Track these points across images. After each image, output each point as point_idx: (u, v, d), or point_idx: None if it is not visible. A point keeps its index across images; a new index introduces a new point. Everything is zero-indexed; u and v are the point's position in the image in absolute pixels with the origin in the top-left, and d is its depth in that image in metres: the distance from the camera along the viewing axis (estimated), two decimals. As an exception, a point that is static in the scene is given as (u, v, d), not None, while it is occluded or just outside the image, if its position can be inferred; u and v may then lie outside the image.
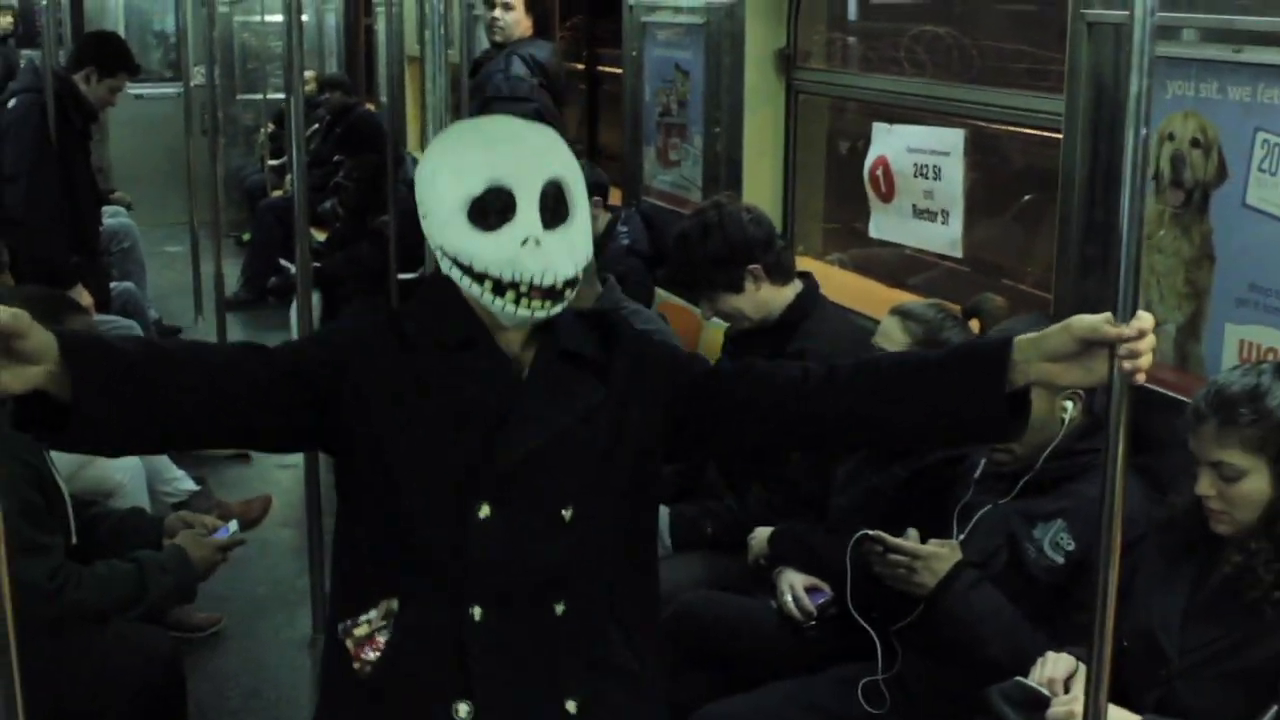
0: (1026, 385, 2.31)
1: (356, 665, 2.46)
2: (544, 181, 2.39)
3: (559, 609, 2.44)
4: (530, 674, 2.44)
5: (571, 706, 2.46)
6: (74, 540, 3.75)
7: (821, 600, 3.69)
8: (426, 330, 2.48)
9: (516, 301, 2.36)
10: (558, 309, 2.40)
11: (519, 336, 2.49)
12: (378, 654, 2.44)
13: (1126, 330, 2.13)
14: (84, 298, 5.79)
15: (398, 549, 2.44)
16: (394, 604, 2.44)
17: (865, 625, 3.43)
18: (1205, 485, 2.74)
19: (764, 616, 3.81)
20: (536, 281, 2.35)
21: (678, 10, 6.23)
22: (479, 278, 2.38)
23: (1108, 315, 2.16)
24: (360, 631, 2.46)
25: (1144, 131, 2.10)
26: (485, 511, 2.39)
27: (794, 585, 3.74)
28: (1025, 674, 3.00)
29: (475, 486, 2.40)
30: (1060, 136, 3.75)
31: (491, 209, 2.37)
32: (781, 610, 3.75)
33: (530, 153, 2.44)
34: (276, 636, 5.32)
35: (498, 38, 6.84)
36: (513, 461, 2.40)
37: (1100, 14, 3.44)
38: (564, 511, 2.43)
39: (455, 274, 2.42)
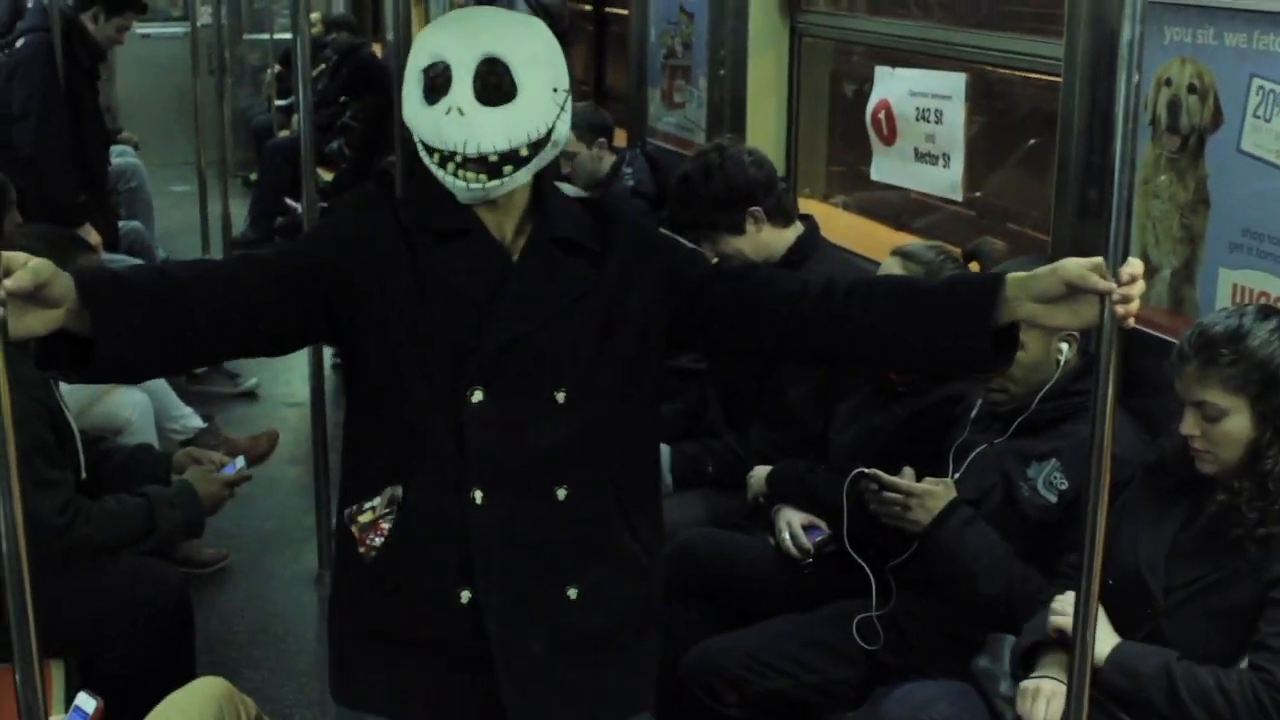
0: (1015, 322, 2.34)
1: (362, 550, 2.52)
2: (479, 56, 2.41)
3: (560, 494, 2.48)
4: (532, 559, 2.49)
5: (572, 593, 2.51)
6: (83, 476, 3.79)
7: (819, 538, 3.74)
8: (422, 219, 2.53)
9: (455, 173, 2.43)
10: (496, 184, 2.43)
11: (510, 223, 2.54)
12: (382, 539, 2.50)
13: (1104, 283, 2.17)
14: (92, 236, 5.82)
15: (400, 436, 2.49)
16: (398, 490, 2.49)
17: (861, 562, 3.48)
18: (1189, 425, 2.78)
19: (762, 553, 3.86)
20: (459, 150, 2.40)
21: (684, -48, 6.23)
22: (428, 150, 2.46)
23: (1097, 261, 2.19)
24: (365, 518, 2.52)
25: (1136, 78, 2.13)
26: (478, 395, 2.43)
27: (792, 523, 3.79)
28: (1014, 609, 3.07)
29: (467, 371, 2.44)
30: (1060, 80, 3.77)
31: (434, 82, 2.43)
32: (779, 547, 3.80)
33: (474, 30, 2.47)
34: (283, 572, 5.39)
35: None
36: (500, 345, 2.44)
37: (1098, -42, 3.47)
38: (556, 394, 2.47)
39: (419, 149, 2.50)
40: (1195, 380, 2.76)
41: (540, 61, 2.47)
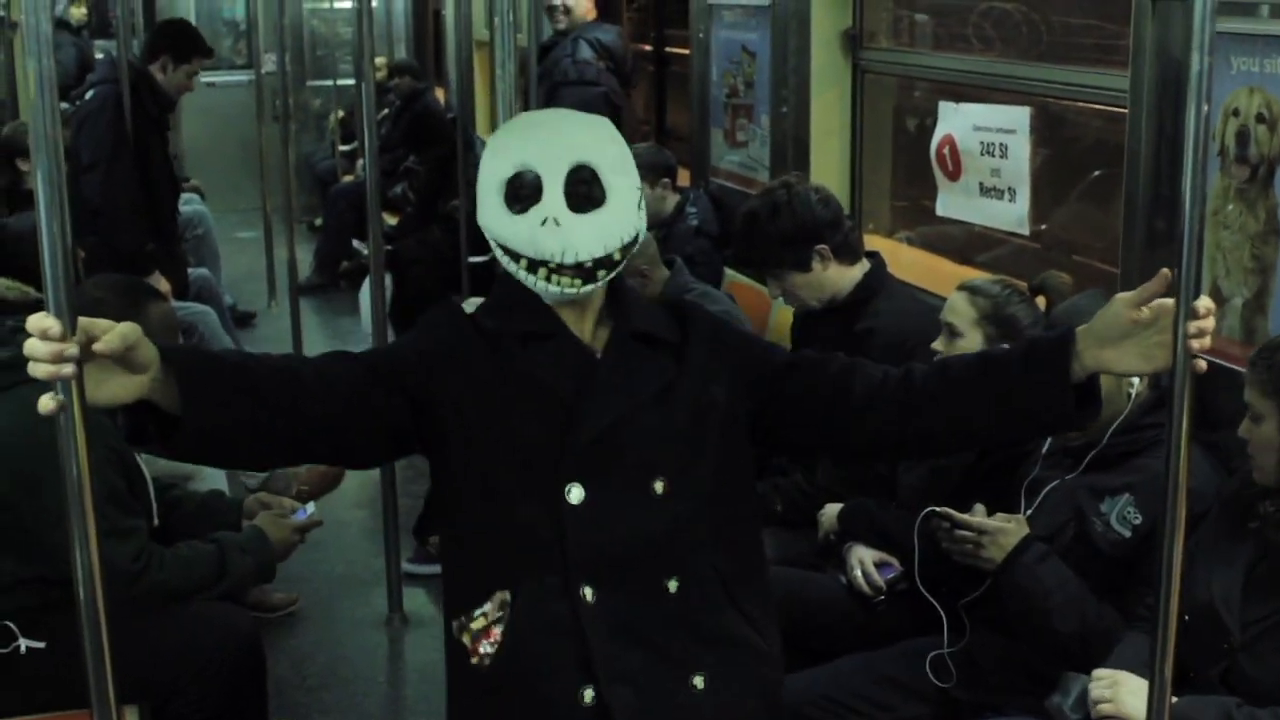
0: (1094, 376, 2.35)
1: (475, 660, 2.48)
2: (570, 165, 2.43)
3: (672, 586, 2.46)
4: (652, 652, 2.45)
5: (699, 681, 2.47)
6: (156, 523, 3.81)
7: (890, 575, 3.72)
8: (503, 324, 2.53)
9: (548, 279, 2.44)
10: (590, 287, 2.46)
11: (590, 322, 2.55)
12: (494, 646, 2.46)
13: (1159, 285, 2.22)
14: (161, 284, 5.87)
15: (500, 540, 2.48)
16: (506, 595, 2.46)
17: (933, 600, 3.46)
18: (1244, 428, 2.83)
19: (834, 591, 3.83)
20: (557, 260, 2.41)
21: (744, -8, 6.24)
22: (514, 256, 2.46)
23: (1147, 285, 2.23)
24: (476, 625, 2.48)
25: (1205, 108, 2.12)
26: (576, 492, 2.42)
27: (864, 560, 3.77)
28: (1089, 646, 3.04)
29: (562, 467, 2.43)
30: (1126, 112, 3.75)
31: (520, 192, 2.44)
32: (851, 585, 3.78)
33: (560, 137, 2.49)
34: (352, 615, 5.38)
35: (560, 25, 6.86)
36: (591, 438, 2.43)
37: (1164, -10, 3.46)
38: (655, 484, 2.46)
39: (498, 253, 2.50)
40: (1247, 382, 2.83)
41: (624, 164, 2.51)
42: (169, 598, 3.64)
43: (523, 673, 2.46)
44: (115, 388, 2.12)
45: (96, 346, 2.03)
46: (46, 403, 2.04)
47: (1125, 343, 2.28)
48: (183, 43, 7.06)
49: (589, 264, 2.42)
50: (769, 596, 2.66)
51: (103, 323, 2.07)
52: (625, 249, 2.47)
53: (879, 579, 3.73)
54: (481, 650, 2.47)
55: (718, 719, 2.50)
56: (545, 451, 2.44)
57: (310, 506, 4.23)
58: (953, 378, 2.50)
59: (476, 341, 2.52)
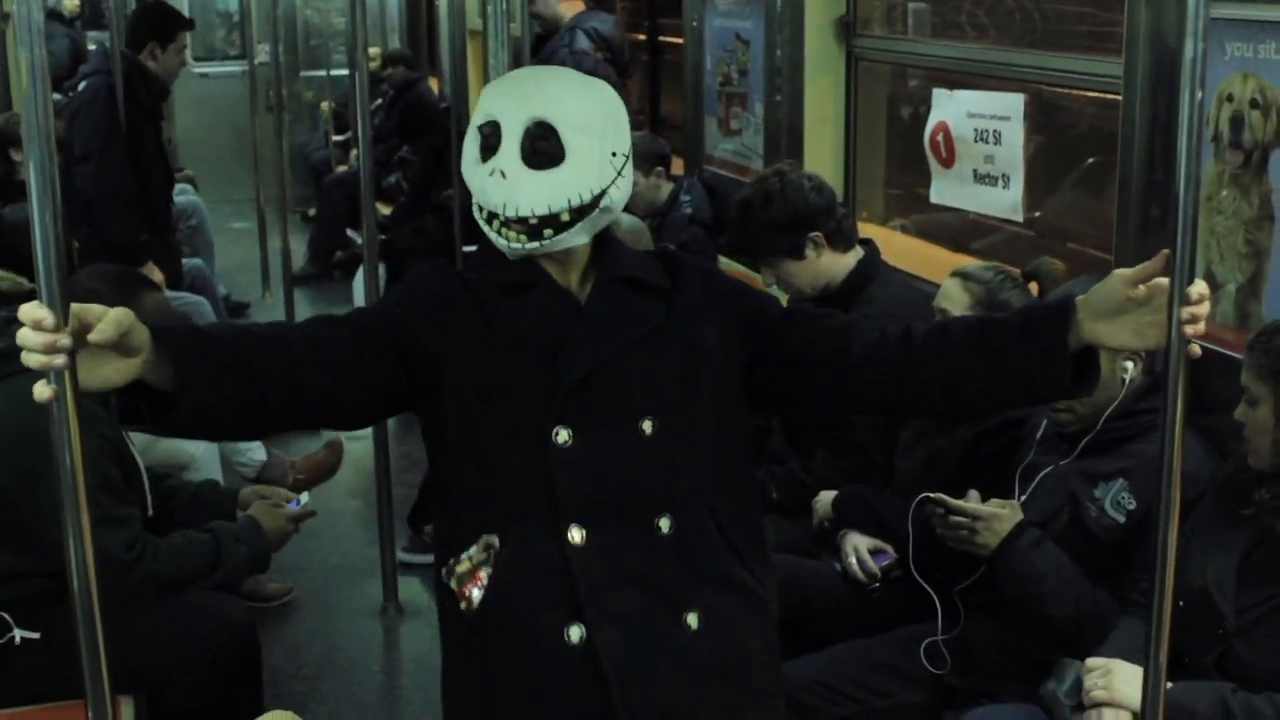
0: (1093, 347, 2.34)
1: (463, 605, 2.48)
2: (528, 119, 2.43)
3: (664, 526, 2.45)
4: (643, 591, 2.45)
5: (692, 620, 2.46)
6: (150, 512, 3.81)
7: (885, 562, 3.73)
8: (489, 276, 2.53)
9: (498, 231, 2.45)
10: (536, 244, 2.44)
11: (575, 274, 2.54)
12: (481, 589, 2.46)
13: (1157, 265, 2.21)
14: (155, 274, 5.86)
15: (488, 486, 2.48)
16: (493, 539, 2.46)
17: (927, 587, 3.47)
18: (1240, 410, 2.83)
19: (829, 579, 3.84)
20: (499, 212, 2.42)
21: (738, -20, 6.24)
22: (478, 206, 2.48)
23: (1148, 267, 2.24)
24: (462, 569, 2.48)
25: (1199, 94, 2.11)
26: (563, 435, 2.42)
27: (858, 547, 3.78)
28: (1083, 631, 3.05)
29: (548, 411, 2.43)
30: (1120, 99, 3.75)
31: (488, 142, 2.46)
32: (846, 572, 3.79)
33: (528, 91, 2.50)
34: (348, 605, 5.39)
35: (538, 28, 6.82)
36: (575, 380, 2.43)
37: (1157, -25, 3.45)
38: (642, 425, 2.45)
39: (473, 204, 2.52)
40: (1244, 366, 2.83)
41: (594, 126, 2.47)
42: (163, 587, 3.65)
43: (509, 614, 2.45)
44: (109, 372, 2.11)
45: (90, 337, 2.02)
46: (42, 390, 2.04)
47: (1119, 318, 2.28)
48: (163, 23, 7.01)
49: (533, 220, 2.41)
50: (765, 543, 2.66)
51: (96, 309, 2.06)
52: (578, 211, 2.44)
53: (874, 566, 3.74)
54: (469, 594, 2.47)
55: (713, 659, 2.49)
56: (531, 397, 2.44)
57: (304, 496, 4.23)
58: (952, 340, 2.49)
59: (462, 294, 2.52)
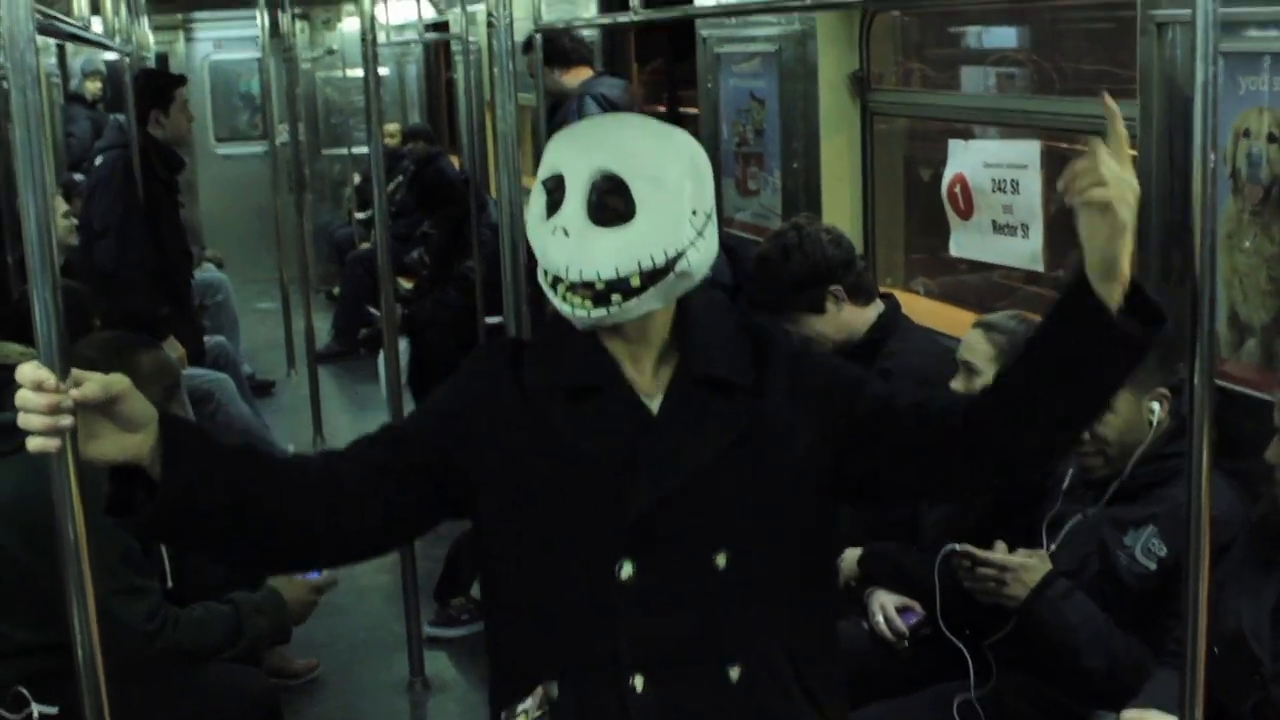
0: (1140, 291, 2.15)
1: None
2: (594, 171, 2.20)
3: (734, 675, 2.25)
4: None
5: None
6: (170, 584, 3.79)
7: (914, 620, 3.68)
8: (547, 377, 2.32)
9: (563, 297, 2.22)
10: (604, 312, 2.20)
11: (650, 360, 2.32)
12: None
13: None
14: (175, 349, 5.87)
15: (545, 625, 2.28)
16: (552, 689, 2.26)
17: (958, 643, 3.40)
18: (1271, 452, 2.77)
19: (856, 639, 3.78)
20: (564, 275, 2.20)
21: (750, 40, 6.24)
22: (542, 271, 2.26)
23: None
24: None
25: (1212, 120, 2.08)
26: (627, 570, 2.21)
27: (885, 606, 3.73)
28: (1118, 682, 2.99)
29: (612, 543, 2.22)
30: (1135, 141, 3.72)
31: (552, 198, 2.24)
32: (874, 632, 3.74)
33: (592, 140, 2.29)
34: (374, 681, 5.35)
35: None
36: (644, 510, 2.21)
37: (1169, 13, 3.42)
38: (715, 558, 2.24)
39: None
40: (1276, 406, 2.79)
41: (669, 179, 2.23)
42: (184, 659, 3.62)
43: None
44: (107, 445, 2.05)
45: (74, 392, 1.98)
46: (36, 440, 1.99)
47: (1097, 219, 2.17)
48: (157, 89, 7.04)
49: (599, 285, 2.17)
50: (841, 674, 2.46)
51: (93, 375, 2.03)
52: (650, 275, 2.20)
53: (901, 625, 3.69)
54: None
55: None
56: (591, 525, 2.24)
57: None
58: (1002, 381, 2.30)
59: (515, 401, 2.30)
